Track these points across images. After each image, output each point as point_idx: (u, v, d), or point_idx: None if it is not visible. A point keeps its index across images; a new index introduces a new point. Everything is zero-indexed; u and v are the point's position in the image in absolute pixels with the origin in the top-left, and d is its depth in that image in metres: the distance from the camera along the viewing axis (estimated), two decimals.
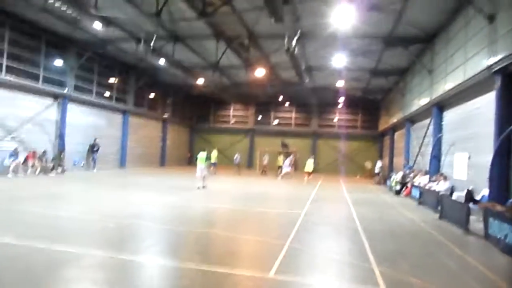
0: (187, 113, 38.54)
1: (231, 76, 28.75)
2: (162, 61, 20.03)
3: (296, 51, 17.24)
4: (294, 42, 16.38)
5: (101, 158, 24.14)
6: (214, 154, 26.75)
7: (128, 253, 5.93)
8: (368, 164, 32.44)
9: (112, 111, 25.95)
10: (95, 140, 23.40)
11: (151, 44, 18.19)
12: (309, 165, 23.49)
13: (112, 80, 25.85)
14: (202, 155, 16.88)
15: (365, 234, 8.46)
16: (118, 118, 26.81)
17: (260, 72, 22.90)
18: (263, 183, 21.89)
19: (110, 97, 25.63)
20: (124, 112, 27.18)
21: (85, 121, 23.25)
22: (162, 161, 33.53)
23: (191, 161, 38.81)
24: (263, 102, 37.55)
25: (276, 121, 38.43)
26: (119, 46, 21.76)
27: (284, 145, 35.96)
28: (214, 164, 26.33)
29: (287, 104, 37.81)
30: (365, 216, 11.27)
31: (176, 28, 18.65)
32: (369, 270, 5.76)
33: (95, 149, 23.36)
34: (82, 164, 22.68)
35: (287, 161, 26.02)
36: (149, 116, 30.92)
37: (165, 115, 33.63)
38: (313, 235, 8.23)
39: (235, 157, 30.40)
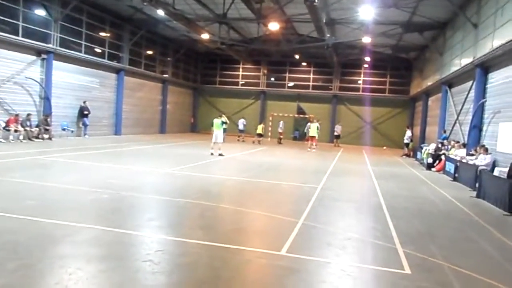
0: (190, 73, 38.31)
1: (240, 31, 28.26)
2: (161, 12, 19.71)
3: (316, 1, 16.74)
4: None
5: (93, 124, 24.37)
6: (225, 120, 26.78)
7: (125, 228, 6.05)
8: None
9: (105, 70, 25.90)
10: (84, 102, 23.51)
11: None
12: (313, 129, 24.08)
13: (103, 34, 25.63)
14: (217, 121, 18.20)
15: (389, 212, 8.46)
16: (111, 78, 26.79)
17: (274, 26, 22.43)
18: (276, 152, 21.93)
19: (102, 54, 25.51)
20: (118, 71, 27.12)
21: (74, 81, 23.29)
22: (162, 127, 33.72)
23: (194, 127, 39.05)
24: (276, 61, 37.02)
25: (291, 83, 37.96)
26: None
27: (301, 110, 35.79)
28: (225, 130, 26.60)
29: (304, 64, 37.19)
30: (390, 192, 11.26)
31: None
32: (393, 251, 5.78)
33: (85, 113, 23.53)
34: (71, 130, 22.94)
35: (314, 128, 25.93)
36: (147, 76, 30.82)
37: (165, 75, 33.48)
38: (330, 212, 8.27)
39: (239, 122, 30.54)
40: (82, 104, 23.50)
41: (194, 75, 38.99)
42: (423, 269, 5.14)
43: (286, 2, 20.34)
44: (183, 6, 21.74)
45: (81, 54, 23.33)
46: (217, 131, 17.97)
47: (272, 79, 38.50)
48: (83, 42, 23.61)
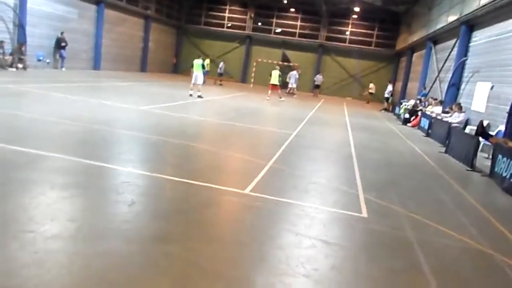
0: (175, 10, 36.89)
1: None
2: None
3: None
4: None
5: (71, 56, 23.57)
6: (207, 62, 26.22)
7: (92, 159, 6.02)
8: (372, 87, 30.85)
9: (84, 0, 24.66)
10: (62, 33, 22.57)
11: None
12: (274, 77, 21.66)
13: None
14: (198, 62, 17.72)
15: (358, 161, 8.66)
16: (91, 9, 25.60)
17: None
18: (256, 99, 21.84)
19: None
20: (98, 3, 25.87)
21: (51, 10, 22.17)
22: (143, 66, 32.92)
23: (176, 68, 38.28)
24: (264, 4, 35.94)
25: (278, 30, 37.08)
26: None
27: (286, 58, 35.31)
28: (206, 72, 26.03)
29: (292, 10, 36.19)
30: (362, 143, 11.46)
31: None
32: (354, 196, 5.97)
33: (62, 44, 22.66)
34: (47, 61, 22.17)
35: (293, 76, 25.98)
36: (129, 10, 29.56)
37: (148, 11, 32.17)
38: (300, 157, 8.40)
39: (220, 66, 30.07)
40: (59, 35, 22.56)
41: (178, 13, 37.58)
42: (380, 214, 5.35)
43: None
44: None
45: None
46: (197, 72, 17.63)
47: (259, 23, 37.48)
48: None
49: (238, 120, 12.70)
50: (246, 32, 37.43)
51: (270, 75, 21.71)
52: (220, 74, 30.17)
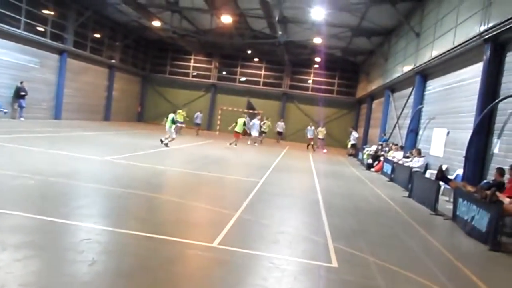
0: (140, 60, 37.21)
1: (193, 21, 27.87)
2: None
3: None
4: None
5: (30, 106, 23.00)
6: (183, 114, 26.25)
7: (51, 215, 5.71)
8: (323, 130, 29.98)
9: (46, 50, 24.47)
10: (21, 83, 22.10)
11: None
12: (239, 124, 21.86)
13: (46, 12, 24.22)
14: (170, 116, 17.70)
15: (326, 208, 8.67)
16: (53, 59, 25.38)
17: (227, 19, 22.29)
18: (222, 146, 21.84)
19: (43, 33, 24.10)
20: (61, 53, 25.74)
21: (10, 59, 21.80)
22: (107, 115, 32.51)
23: (142, 117, 38.07)
24: (229, 54, 36.88)
25: (242, 78, 37.95)
26: None
27: (250, 106, 35.91)
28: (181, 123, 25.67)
29: (256, 59, 37.34)
30: (329, 189, 11.56)
31: None
32: (324, 245, 5.91)
33: (21, 94, 22.14)
34: (5, 111, 21.51)
35: (256, 124, 26.17)
36: (93, 60, 29.52)
37: (113, 61, 32.27)
38: (267, 206, 8.33)
39: (195, 115, 29.99)
40: (19, 85, 22.07)
41: (143, 62, 37.89)
42: (350, 263, 5.30)
43: None
44: None
45: (19, 31, 21.86)
46: (167, 126, 17.71)
47: (224, 72, 38.29)
48: (23, 19, 22.14)
49: (205, 169, 12.59)
50: (211, 80, 38.06)
51: (236, 123, 22.00)
52: (198, 124, 30.02)
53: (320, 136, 29.10)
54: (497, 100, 10.43)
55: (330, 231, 6.77)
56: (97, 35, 29.78)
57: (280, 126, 31.61)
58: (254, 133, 25.77)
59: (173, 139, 17.54)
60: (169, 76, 38.45)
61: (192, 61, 38.46)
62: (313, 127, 29.32)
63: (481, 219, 7.49)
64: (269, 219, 7.24)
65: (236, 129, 21.73)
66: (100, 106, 31.84)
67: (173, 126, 17.70)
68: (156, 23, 24.39)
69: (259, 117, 27.68)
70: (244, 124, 22.29)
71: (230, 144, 21.25)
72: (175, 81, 38.14)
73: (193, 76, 38.45)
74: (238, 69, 38.14)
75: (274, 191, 10.14)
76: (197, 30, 29.16)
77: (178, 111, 24.60)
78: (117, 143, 17.51)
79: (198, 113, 30.34)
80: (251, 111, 35.02)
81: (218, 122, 35.30)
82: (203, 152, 17.89)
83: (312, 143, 28.13)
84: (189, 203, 7.81)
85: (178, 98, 36.55)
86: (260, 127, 27.63)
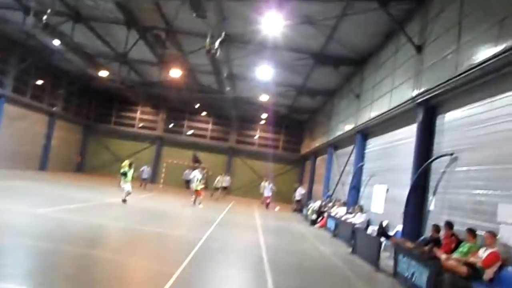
0: (84, 108, 36.15)
1: (141, 73, 27.86)
2: (56, 42, 18.57)
3: (218, 54, 17.26)
4: (217, 44, 16.38)
5: None
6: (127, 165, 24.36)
7: None
8: (226, 180, 30.22)
9: None
10: None
11: (44, 19, 16.77)
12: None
13: None
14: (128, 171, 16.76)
15: (270, 266, 8.48)
16: None
17: (176, 73, 22.49)
18: (166, 200, 21.19)
19: None
20: None
21: None
22: (43, 164, 30.75)
23: (81, 167, 36.41)
24: (176, 107, 36.90)
25: (189, 131, 37.89)
26: None
27: (196, 159, 35.64)
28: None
29: (203, 113, 37.64)
30: (273, 246, 11.40)
31: (79, 5, 17.52)
32: None
33: None
34: None
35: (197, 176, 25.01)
36: (32, 106, 28.28)
37: (54, 108, 31.11)
38: (210, 264, 8.01)
39: (142, 169, 28.91)
40: None
41: (87, 111, 36.80)
42: None
43: (190, 51, 20.65)
44: (83, 40, 20.81)
45: None
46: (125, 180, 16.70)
47: (171, 125, 38.07)
48: None
49: (146, 224, 12.04)
50: (157, 132, 37.62)
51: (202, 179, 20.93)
52: (144, 179, 28.84)
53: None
54: (429, 160, 11.04)
55: None
56: (39, 81, 28.80)
57: (226, 181, 31.13)
58: (193, 186, 22.48)
59: (129, 193, 16.31)
60: (114, 127, 37.58)
61: (138, 112, 38.03)
62: (270, 184, 27.90)
63: (421, 276, 7.63)
64: (212, 277, 6.93)
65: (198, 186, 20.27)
66: (36, 154, 30.14)
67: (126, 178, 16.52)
68: (103, 73, 24.09)
69: (200, 169, 25.92)
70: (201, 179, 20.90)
71: (196, 202, 19.84)
72: (120, 132, 37.28)
73: (139, 128, 37.85)
74: (185, 122, 38.13)
75: (218, 247, 9.83)
76: (144, 81, 29.10)
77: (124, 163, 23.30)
78: (51, 194, 16.46)
79: (145, 167, 29.39)
80: (196, 164, 34.76)
81: (163, 175, 34.52)
82: (145, 206, 17.17)
83: (268, 201, 26.45)
84: (125, 260, 7.34)
85: (122, 149, 35.57)
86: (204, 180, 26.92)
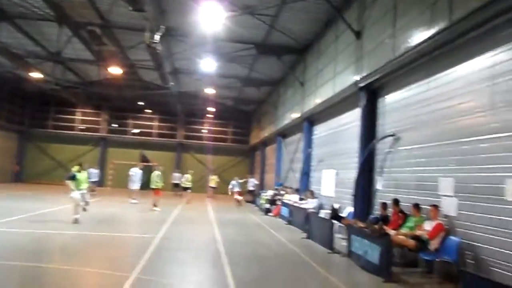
0: (16, 115, 34.02)
1: (79, 72, 26.73)
2: None
3: (159, 49, 16.90)
4: (157, 38, 15.99)
5: None
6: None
7: None
8: (215, 179, 28.75)
9: None
10: None
11: None
12: (154, 180, 18.73)
13: None
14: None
15: (228, 258, 8.51)
16: None
17: (116, 70, 21.76)
18: (114, 203, 20.55)
19: None
20: None
21: None
22: None
23: (20, 177, 34.38)
24: (119, 106, 35.74)
25: (135, 130, 36.88)
26: None
27: (144, 158, 34.84)
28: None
29: (148, 111, 36.77)
30: (230, 238, 11.44)
31: (2, 1, 16.40)
32: None
33: None
34: None
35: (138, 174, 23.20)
36: None
37: None
38: (167, 263, 7.90)
39: (90, 171, 27.24)
40: None
41: (20, 117, 34.68)
42: None
43: (129, 47, 20.05)
44: (9, 40, 19.54)
45: None
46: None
47: (114, 125, 36.83)
48: None
49: (96, 229, 11.63)
50: (100, 134, 36.26)
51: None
52: (94, 182, 25.16)
53: (212, 184, 28.28)
54: (374, 142, 11.53)
55: (233, 282, 6.61)
56: None
57: (177, 178, 30.42)
58: (134, 186, 20.64)
59: (86, 202, 13.08)
60: (52, 131, 35.74)
61: (78, 114, 36.44)
62: (239, 181, 25.36)
63: (373, 253, 7.98)
64: (170, 277, 6.85)
65: (153, 185, 18.42)
66: None
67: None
68: (36, 75, 22.80)
69: (140, 167, 23.48)
70: (159, 176, 18.96)
71: (155, 206, 17.64)
72: (59, 136, 35.52)
73: (80, 130, 36.28)
74: (130, 121, 37.07)
75: (173, 245, 9.70)
76: (82, 81, 27.92)
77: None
78: None
79: (92, 169, 27.50)
80: (145, 163, 33.98)
81: (110, 177, 33.43)
82: (93, 211, 16.52)
83: (238, 197, 23.97)
84: (76, 269, 7.05)
85: (64, 154, 33.99)
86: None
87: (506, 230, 6.53)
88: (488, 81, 7.35)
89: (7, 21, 17.81)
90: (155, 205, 17.69)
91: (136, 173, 20.89)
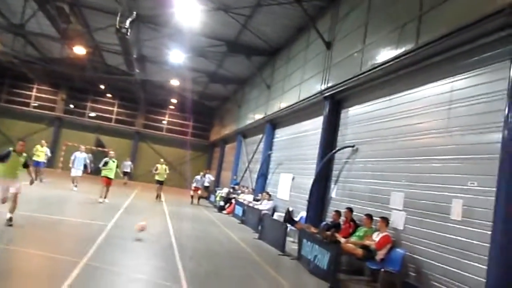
0: None
1: (40, 48, 25.50)
2: None
3: (128, 34, 16.48)
4: (127, 23, 15.57)
5: None
6: (40, 149, 19.54)
7: None
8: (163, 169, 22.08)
9: None
10: None
11: None
12: (110, 169, 16.06)
13: None
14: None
15: (179, 252, 8.46)
16: None
17: (80, 50, 21.02)
18: (65, 186, 19.82)
19: None
20: None
21: None
22: None
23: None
24: (79, 88, 34.47)
25: (92, 114, 35.74)
26: None
27: (99, 143, 33.91)
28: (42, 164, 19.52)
29: (109, 95, 35.73)
30: (182, 232, 11.38)
31: None
32: None
33: None
34: None
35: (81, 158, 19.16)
36: None
37: None
38: (118, 252, 7.75)
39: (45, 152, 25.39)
40: None
41: None
42: None
43: (96, 28, 19.42)
44: None
45: None
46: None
47: (72, 106, 35.50)
48: None
49: (45, 211, 11.16)
50: (56, 113, 34.83)
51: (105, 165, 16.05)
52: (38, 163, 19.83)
53: (160, 177, 21.22)
54: (333, 151, 11.82)
55: (185, 275, 6.60)
56: None
57: (127, 166, 29.13)
58: (76, 172, 18.36)
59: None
60: (5, 105, 33.95)
61: (34, 90, 34.82)
62: (208, 176, 23.78)
63: (323, 258, 8.20)
64: (120, 266, 6.73)
65: (107, 174, 15.81)
66: None
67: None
68: None
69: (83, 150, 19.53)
70: (117, 166, 17.08)
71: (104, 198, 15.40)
72: (12, 111, 33.80)
73: (35, 107, 34.69)
74: (89, 104, 35.84)
75: (124, 235, 9.50)
76: (43, 57, 26.69)
77: (36, 146, 19.35)
78: None
79: (45, 148, 24.96)
80: (100, 148, 32.99)
81: (61, 159, 32.20)
82: (42, 193, 15.84)
83: (200, 193, 22.05)
84: (22, 251, 6.78)
85: (15, 130, 32.36)
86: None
87: (448, 247, 6.91)
88: (446, 105, 7.75)
89: None
90: (103, 197, 15.36)
91: (78, 157, 18.46)
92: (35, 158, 18.61)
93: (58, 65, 27.26)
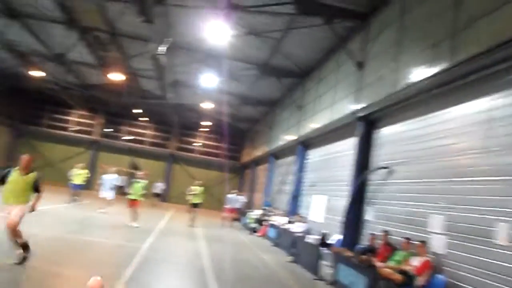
0: (12, 109, 33.59)
1: (79, 75, 26.62)
2: None
3: (163, 61, 16.99)
4: (162, 50, 16.09)
5: None
6: (78, 172, 20.04)
7: None
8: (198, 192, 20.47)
9: None
10: None
11: None
12: (136, 190, 15.52)
13: None
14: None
15: (213, 275, 8.42)
16: None
17: (117, 77, 21.77)
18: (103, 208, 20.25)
19: None
20: None
21: None
22: None
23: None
24: (115, 112, 35.61)
25: (128, 137, 36.73)
26: None
27: (134, 166, 34.66)
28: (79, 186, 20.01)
29: (143, 119, 36.69)
30: (216, 255, 11.34)
31: (13, 0, 16.43)
32: None
33: None
34: None
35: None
36: None
37: None
38: (152, 275, 7.79)
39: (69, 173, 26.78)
40: None
41: (15, 112, 34.13)
42: None
43: (133, 55, 20.11)
44: (17, 38, 19.52)
45: None
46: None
47: (108, 129, 36.66)
48: None
49: (83, 233, 11.45)
50: (93, 137, 36.04)
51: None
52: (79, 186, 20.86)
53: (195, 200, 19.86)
54: (367, 173, 11.59)
55: None
56: None
57: (159, 187, 29.37)
58: (106, 194, 18.26)
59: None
60: (46, 129, 35.42)
61: (73, 115, 36.23)
62: (240, 197, 23.08)
63: (359, 283, 7.95)
64: None
65: (130, 195, 15.40)
66: None
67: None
68: (37, 73, 22.69)
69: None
70: (144, 188, 16.04)
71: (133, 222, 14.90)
72: (53, 135, 35.22)
73: (74, 131, 36.02)
74: (124, 127, 36.94)
75: (159, 257, 9.57)
76: (82, 84, 27.82)
77: (74, 169, 19.80)
78: None
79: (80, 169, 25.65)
80: (134, 170, 33.75)
81: (98, 181, 33.05)
82: (78, 215, 16.29)
83: (234, 215, 21.28)
84: (61, 271, 6.92)
85: (55, 153, 33.65)
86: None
87: (493, 273, 6.56)
88: (484, 124, 7.49)
89: (17, 20, 17.78)
90: (132, 220, 14.84)
91: (108, 179, 18.19)
92: (73, 181, 19.28)
93: (96, 91, 28.31)
